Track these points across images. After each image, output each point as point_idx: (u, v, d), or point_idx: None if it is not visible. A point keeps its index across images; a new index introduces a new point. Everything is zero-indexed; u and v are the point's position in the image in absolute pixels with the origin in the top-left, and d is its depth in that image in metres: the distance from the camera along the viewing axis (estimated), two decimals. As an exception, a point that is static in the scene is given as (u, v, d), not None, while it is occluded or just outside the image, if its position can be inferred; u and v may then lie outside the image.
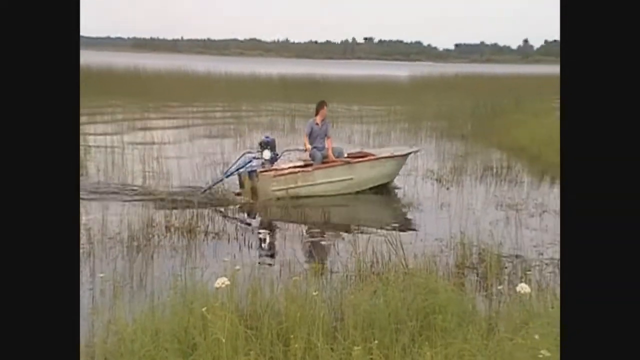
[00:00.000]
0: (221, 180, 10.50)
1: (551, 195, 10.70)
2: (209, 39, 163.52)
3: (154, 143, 15.01)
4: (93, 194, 10.00)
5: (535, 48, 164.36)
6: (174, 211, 8.62)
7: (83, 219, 7.62)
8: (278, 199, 10.12)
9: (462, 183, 11.90)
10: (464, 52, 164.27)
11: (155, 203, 9.31)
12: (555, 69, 64.76)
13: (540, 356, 3.29)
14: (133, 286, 6.15)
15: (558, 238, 7.87)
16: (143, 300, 5.55)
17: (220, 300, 4.14)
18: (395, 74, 43.08)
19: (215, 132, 18.23)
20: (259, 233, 8.56)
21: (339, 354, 3.88)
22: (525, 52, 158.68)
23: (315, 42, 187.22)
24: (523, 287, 4.14)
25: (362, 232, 8.34)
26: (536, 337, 3.50)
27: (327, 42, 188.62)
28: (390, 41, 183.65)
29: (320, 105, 11.30)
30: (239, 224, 9.00)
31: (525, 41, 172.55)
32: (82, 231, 7.28)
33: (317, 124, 11.11)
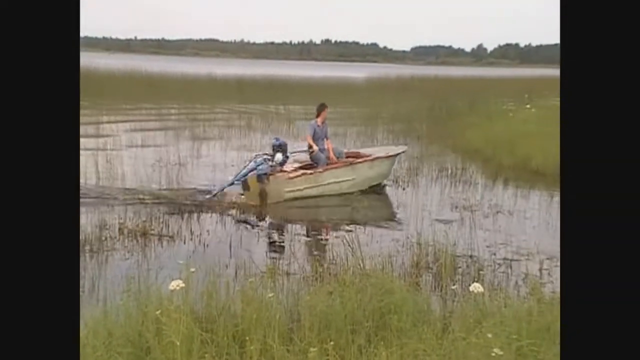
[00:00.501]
0: (232, 184, 10.39)
1: (505, 196, 10.89)
2: (163, 39, 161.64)
3: (106, 144, 14.77)
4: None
5: (488, 51, 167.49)
6: (128, 213, 8.49)
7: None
8: (284, 200, 10.24)
9: (418, 184, 12.02)
10: (419, 54, 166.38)
11: (108, 205, 9.17)
12: (506, 71, 65.60)
13: (493, 355, 3.34)
14: (85, 290, 6.03)
15: (511, 238, 8.03)
16: (95, 304, 5.44)
17: (175, 303, 4.09)
18: (352, 76, 43.30)
19: (171, 133, 18.01)
20: (269, 236, 8.48)
21: (295, 355, 3.87)
22: (479, 55, 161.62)
23: (272, 43, 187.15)
24: (476, 287, 4.20)
25: (319, 234, 8.35)
26: (489, 336, 3.55)
27: (284, 43, 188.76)
28: (347, 43, 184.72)
29: (322, 107, 11.48)
30: (247, 226, 8.93)
31: (479, 44, 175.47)
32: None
33: (318, 125, 11.29)
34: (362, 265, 6.04)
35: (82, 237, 7.36)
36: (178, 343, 3.56)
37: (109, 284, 6.11)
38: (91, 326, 4.13)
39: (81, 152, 13.49)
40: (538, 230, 8.73)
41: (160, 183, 10.67)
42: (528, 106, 21.71)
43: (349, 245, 6.49)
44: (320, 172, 10.80)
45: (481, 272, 6.46)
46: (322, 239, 8.21)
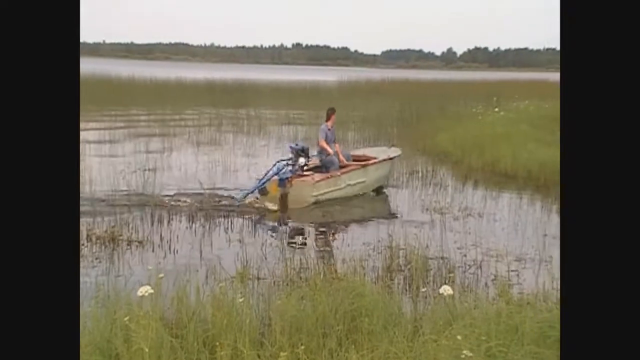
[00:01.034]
0: (256, 189, 10.41)
1: (474, 199, 10.99)
2: (132, 43, 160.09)
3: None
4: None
5: (458, 55, 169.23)
6: (97, 219, 8.39)
7: None
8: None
9: (388, 187, 12.08)
10: (390, 58, 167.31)
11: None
12: (475, 74, 66.11)
13: (463, 356, 3.37)
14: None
15: (481, 240, 8.10)
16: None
17: (145, 309, 4.04)
18: (323, 79, 43.35)
19: (140, 137, 17.83)
20: (294, 241, 8.39)
21: (266, 360, 3.86)
22: (448, 59, 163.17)
23: (243, 46, 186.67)
24: (446, 289, 4.22)
25: (291, 238, 8.34)
26: (459, 337, 3.58)
27: (255, 47, 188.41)
28: (318, 47, 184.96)
29: (331, 111, 11.69)
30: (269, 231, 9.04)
31: (449, 48, 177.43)
32: None
33: (329, 129, 11.41)
34: (333, 268, 6.06)
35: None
36: (147, 349, 3.52)
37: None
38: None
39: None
40: (507, 232, 8.82)
41: (134, 187, 10.57)
42: (497, 109, 21.92)
43: (320, 250, 6.50)
44: (339, 175, 10.92)
45: (451, 274, 6.50)
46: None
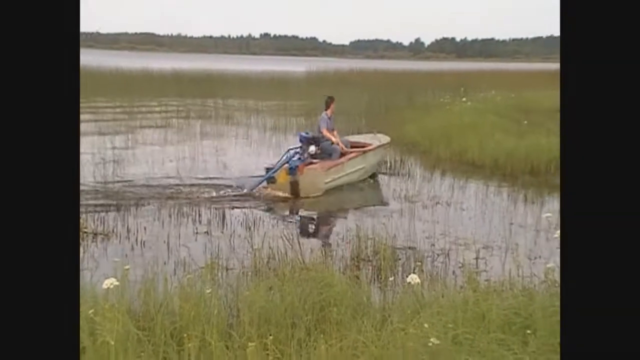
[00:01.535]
0: (268, 178, 10.46)
1: (442, 188, 11.07)
2: (97, 32, 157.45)
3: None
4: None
5: (426, 45, 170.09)
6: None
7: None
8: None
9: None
10: (358, 48, 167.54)
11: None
12: (443, 65, 66.58)
13: (430, 344, 3.39)
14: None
15: (449, 229, 8.17)
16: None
17: (111, 301, 3.99)
18: (291, 70, 43.23)
19: (105, 128, 17.58)
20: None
21: (234, 351, 3.84)
22: (416, 49, 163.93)
23: (211, 37, 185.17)
24: (413, 278, 4.25)
25: (257, 228, 8.30)
26: (426, 325, 3.60)
27: (223, 37, 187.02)
28: (286, 37, 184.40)
29: (330, 99, 11.88)
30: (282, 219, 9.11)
31: (417, 38, 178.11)
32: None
33: (329, 118, 11.56)
34: (301, 259, 6.05)
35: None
36: (112, 342, 3.47)
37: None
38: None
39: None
40: (474, 221, 8.91)
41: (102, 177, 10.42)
42: (464, 99, 22.11)
43: (288, 240, 6.49)
44: (344, 162, 11.08)
45: (418, 263, 6.54)
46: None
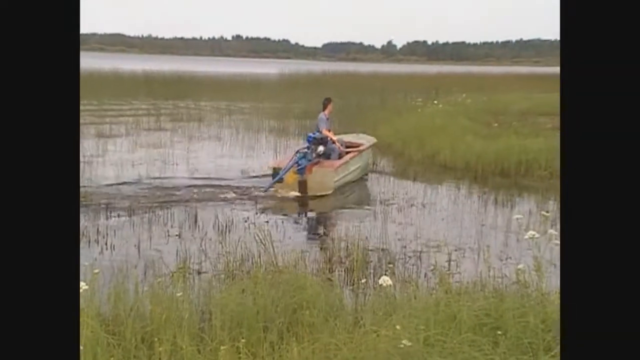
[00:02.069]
0: (280, 178, 10.58)
1: (415, 190, 11.12)
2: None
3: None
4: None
5: (398, 48, 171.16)
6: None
7: None
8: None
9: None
10: (331, 50, 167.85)
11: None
12: (415, 67, 66.85)
13: (402, 346, 3.40)
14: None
15: (421, 231, 8.21)
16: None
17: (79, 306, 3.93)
18: (263, 72, 43.15)
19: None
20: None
21: (206, 355, 3.81)
22: (388, 52, 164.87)
23: (182, 38, 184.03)
24: (385, 280, 4.25)
25: (229, 231, 8.25)
26: (398, 327, 3.61)
27: (194, 38, 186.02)
28: (259, 39, 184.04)
29: (327, 100, 11.99)
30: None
31: (389, 41, 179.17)
32: None
33: (328, 118, 11.69)
34: (274, 261, 6.03)
35: None
36: (82, 347, 3.42)
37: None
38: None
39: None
40: (446, 223, 8.96)
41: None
42: (436, 102, 22.28)
43: (261, 242, 6.46)
44: (349, 161, 11.35)
45: (390, 265, 6.56)
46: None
